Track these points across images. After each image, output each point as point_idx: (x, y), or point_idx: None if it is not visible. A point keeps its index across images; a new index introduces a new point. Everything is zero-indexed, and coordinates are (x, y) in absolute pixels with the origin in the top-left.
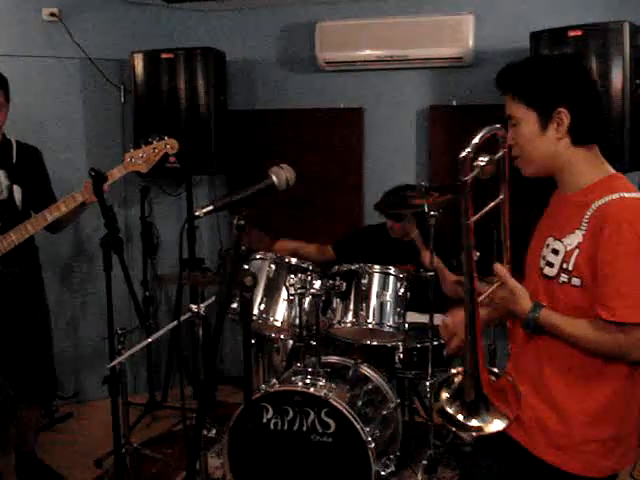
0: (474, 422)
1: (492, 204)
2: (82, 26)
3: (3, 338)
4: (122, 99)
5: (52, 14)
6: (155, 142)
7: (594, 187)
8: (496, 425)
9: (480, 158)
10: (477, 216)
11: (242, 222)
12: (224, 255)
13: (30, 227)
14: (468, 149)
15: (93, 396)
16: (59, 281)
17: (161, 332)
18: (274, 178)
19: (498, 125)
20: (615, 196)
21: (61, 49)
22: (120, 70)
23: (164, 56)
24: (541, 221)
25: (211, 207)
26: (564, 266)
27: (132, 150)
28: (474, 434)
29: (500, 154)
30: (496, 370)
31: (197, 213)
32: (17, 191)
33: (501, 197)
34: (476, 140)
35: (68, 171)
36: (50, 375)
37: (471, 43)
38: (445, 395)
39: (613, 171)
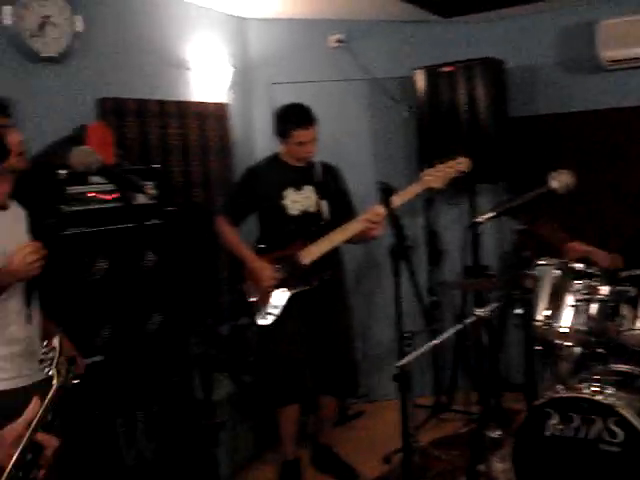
0: None
1: None
2: (366, 49)
3: (314, 334)
4: (406, 114)
5: (338, 40)
6: (450, 160)
7: None
8: None
9: None
10: None
11: (523, 226)
12: (506, 258)
13: (337, 237)
14: None
15: (383, 396)
16: (351, 287)
17: (447, 334)
18: (554, 183)
19: None
20: None
21: (348, 72)
22: (403, 87)
23: (444, 70)
24: None
25: (492, 213)
26: None
27: (428, 168)
28: None
29: None
30: None
31: (479, 219)
32: (324, 205)
33: None
34: None
35: (359, 185)
36: (353, 369)
37: None
38: None
39: None
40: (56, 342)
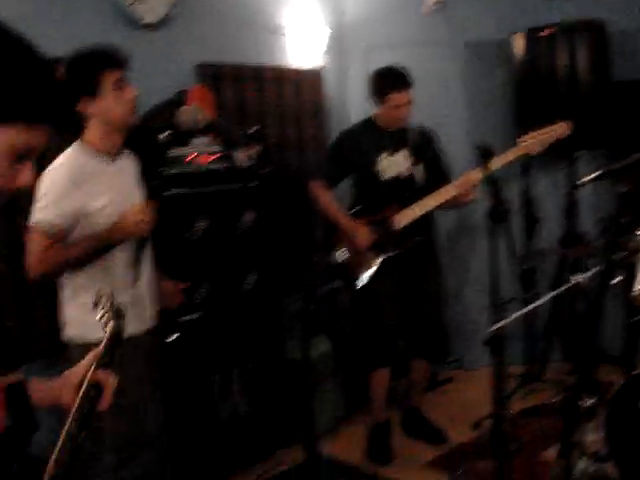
0: None
1: None
2: (463, 12)
3: (405, 298)
4: (502, 79)
5: (435, 3)
6: (549, 126)
7: None
8: None
9: None
10: None
11: (625, 189)
12: (605, 224)
13: (430, 202)
14: None
15: (473, 364)
16: (444, 251)
17: (542, 300)
18: None
19: None
20: None
21: (444, 35)
22: (500, 51)
23: (544, 33)
24: None
25: (593, 176)
26: None
27: (525, 135)
28: None
29: None
30: None
31: (581, 181)
32: (417, 170)
33: None
34: None
35: (454, 150)
36: (444, 334)
37: None
38: None
39: None
40: (104, 291)
